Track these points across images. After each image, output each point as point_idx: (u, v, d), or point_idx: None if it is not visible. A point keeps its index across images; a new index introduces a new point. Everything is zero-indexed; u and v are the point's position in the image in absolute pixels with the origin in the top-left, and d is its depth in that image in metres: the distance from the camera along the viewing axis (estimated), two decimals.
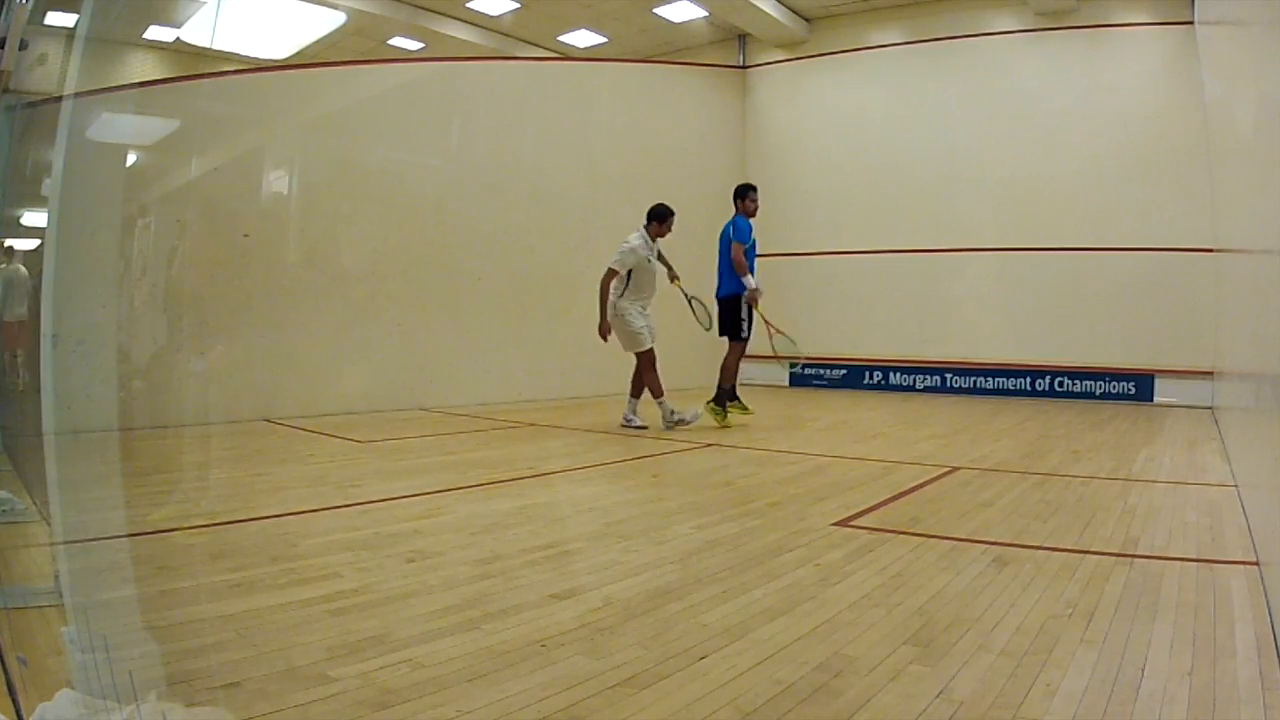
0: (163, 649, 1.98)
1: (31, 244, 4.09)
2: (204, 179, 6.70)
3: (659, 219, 6.47)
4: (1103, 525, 3.48)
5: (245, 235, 6.89)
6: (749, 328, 6.64)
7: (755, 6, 10.58)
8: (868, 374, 10.99)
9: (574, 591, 2.52)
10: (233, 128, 7.04)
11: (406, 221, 7.98)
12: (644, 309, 6.51)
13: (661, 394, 6.44)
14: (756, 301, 6.48)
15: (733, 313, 6.63)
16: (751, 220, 6.67)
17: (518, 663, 1.97)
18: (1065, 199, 9.80)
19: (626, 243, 6.39)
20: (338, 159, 7.61)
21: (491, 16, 11.57)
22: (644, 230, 6.46)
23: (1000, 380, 10.22)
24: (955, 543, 3.16)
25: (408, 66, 9.96)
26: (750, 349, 6.81)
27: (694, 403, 6.68)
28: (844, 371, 11.16)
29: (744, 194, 6.71)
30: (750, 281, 6.44)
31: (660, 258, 6.59)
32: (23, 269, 4.12)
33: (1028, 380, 10.08)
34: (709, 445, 5.82)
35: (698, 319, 6.83)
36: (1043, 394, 9.97)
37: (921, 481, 4.47)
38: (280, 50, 11.32)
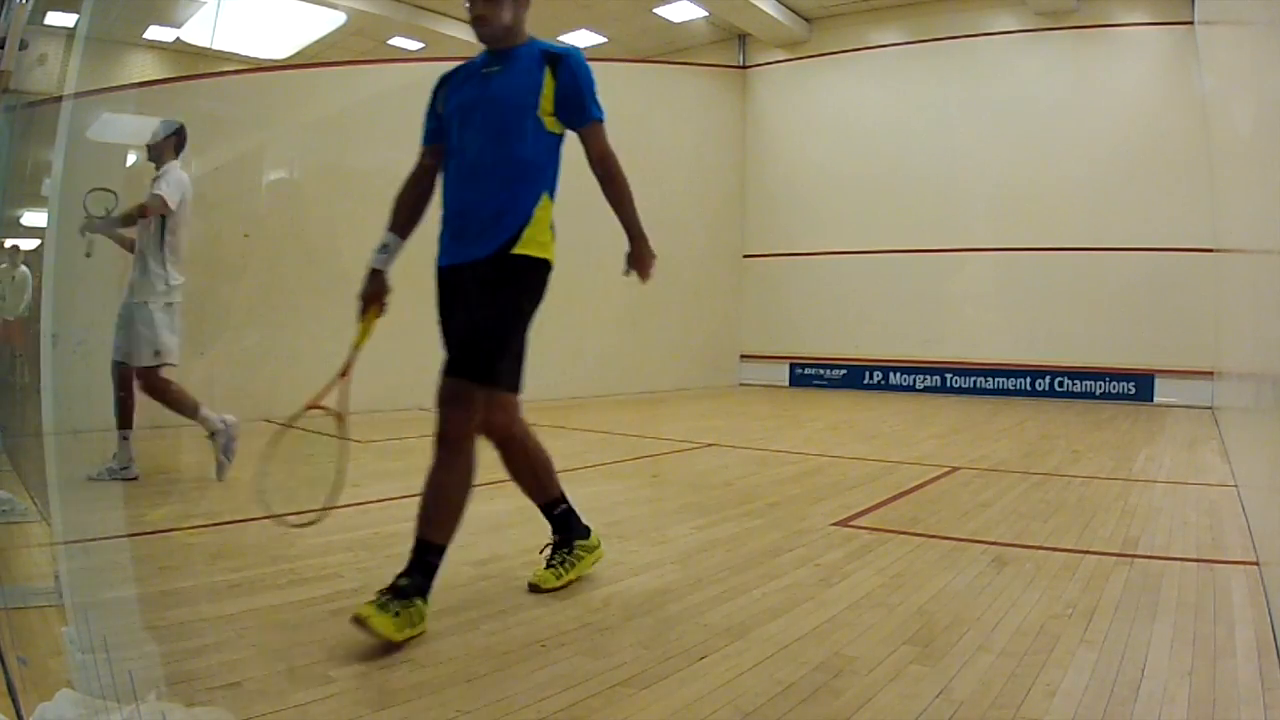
0: (163, 649, 1.98)
1: (32, 244, 4.09)
2: (204, 179, 6.69)
3: None
4: (1103, 525, 3.48)
5: (245, 235, 6.90)
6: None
7: (755, 6, 10.59)
8: (868, 374, 10.99)
9: (574, 591, 2.52)
10: (233, 128, 7.04)
11: None
12: None
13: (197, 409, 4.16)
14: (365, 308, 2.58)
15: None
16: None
17: (518, 663, 1.97)
18: (1065, 199, 9.80)
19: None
20: (338, 159, 7.60)
21: None
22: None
23: (1000, 380, 10.22)
24: (955, 543, 3.16)
25: (408, 66, 9.95)
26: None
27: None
28: (844, 371, 11.16)
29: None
30: (379, 255, 2.56)
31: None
32: (24, 268, 4.12)
33: (1028, 380, 10.08)
34: (709, 445, 5.82)
35: None
36: (1043, 394, 9.97)
37: (921, 481, 4.47)
38: (280, 50, 11.33)
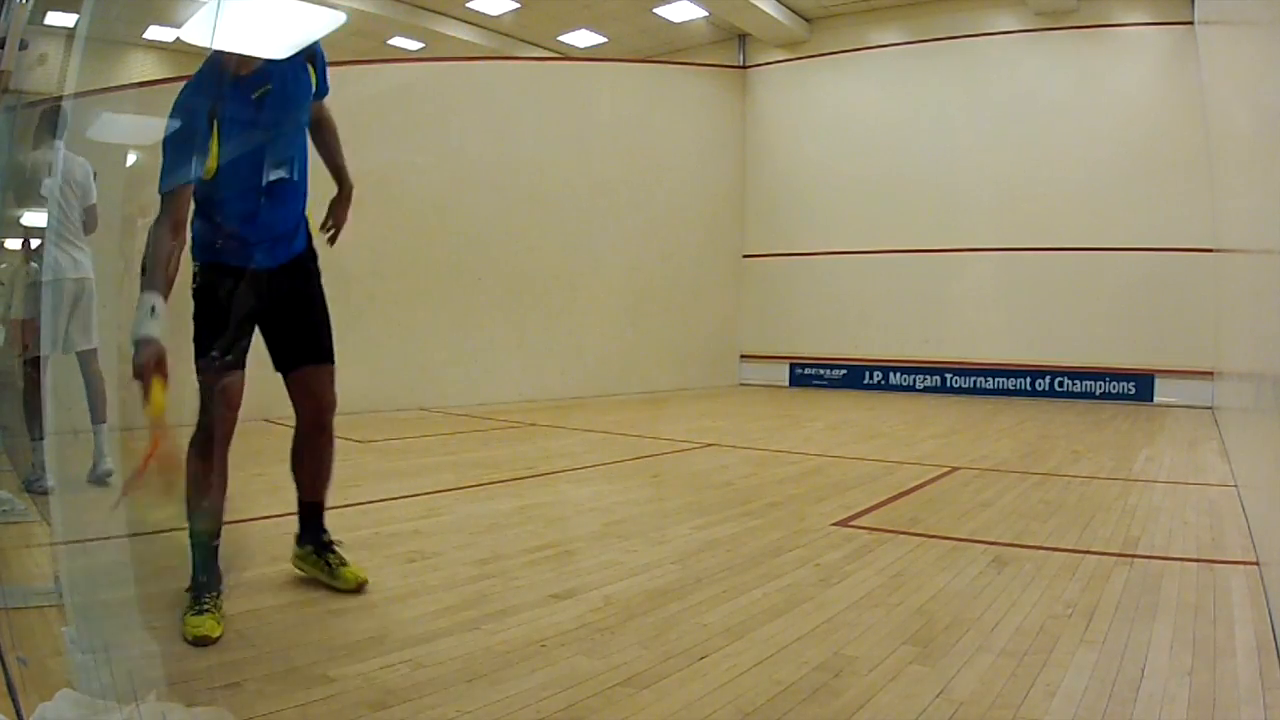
0: (163, 649, 1.98)
1: (32, 244, 4.09)
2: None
3: None
4: (1103, 525, 3.48)
5: None
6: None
7: (755, 6, 10.58)
8: (868, 374, 10.99)
9: (574, 591, 2.52)
10: None
11: (407, 222, 7.98)
12: None
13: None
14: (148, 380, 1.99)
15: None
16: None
17: (518, 663, 1.97)
18: (1065, 199, 9.80)
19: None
20: None
21: (491, 16, 11.57)
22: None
23: (1000, 380, 10.22)
24: (955, 543, 3.16)
25: (407, 66, 9.95)
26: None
27: None
28: (844, 371, 11.16)
29: None
30: (151, 322, 2.03)
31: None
32: (34, 265, 4.10)
33: (1028, 380, 10.08)
34: (709, 445, 5.82)
35: None
36: (1043, 394, 9.97)
37: (921, 481, 4.47)
38: (280, 50, 11.32)
